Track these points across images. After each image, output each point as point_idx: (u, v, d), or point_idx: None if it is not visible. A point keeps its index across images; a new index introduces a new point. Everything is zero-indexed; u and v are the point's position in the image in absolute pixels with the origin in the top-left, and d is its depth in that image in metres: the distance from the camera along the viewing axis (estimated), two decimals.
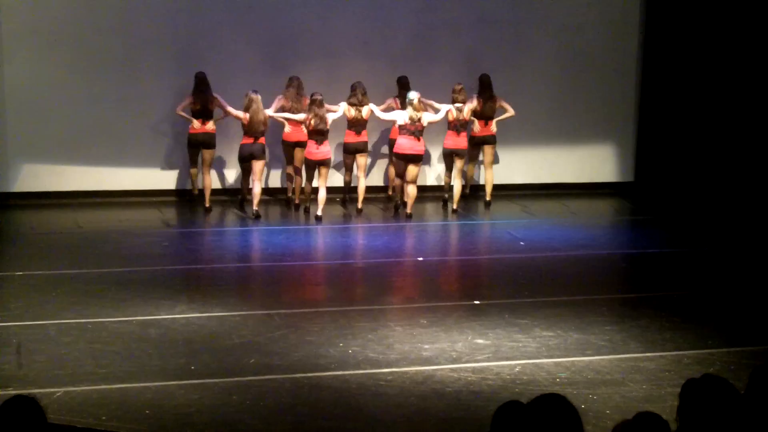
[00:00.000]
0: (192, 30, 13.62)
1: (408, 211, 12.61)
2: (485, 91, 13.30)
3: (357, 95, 12.67)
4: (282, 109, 12.73)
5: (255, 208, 12.40)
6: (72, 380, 7.01)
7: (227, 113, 12.60)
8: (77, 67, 13.32)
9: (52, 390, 6.77)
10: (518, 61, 14.55)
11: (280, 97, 12.83)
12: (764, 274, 10.47)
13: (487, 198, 13.52)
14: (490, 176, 13.54)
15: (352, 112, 12.70)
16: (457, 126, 12.85)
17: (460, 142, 12.95)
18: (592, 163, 15.03)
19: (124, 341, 7.89)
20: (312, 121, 12.18)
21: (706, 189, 14.25)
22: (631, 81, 14.96)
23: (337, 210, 13.18)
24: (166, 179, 13.72)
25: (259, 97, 12.30)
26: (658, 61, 14.71)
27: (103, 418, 6.39)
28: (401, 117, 12.47)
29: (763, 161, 14.27)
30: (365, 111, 12.71)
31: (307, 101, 12.55)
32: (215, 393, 6.87)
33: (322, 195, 12.35)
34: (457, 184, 12.98)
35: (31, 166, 13.33)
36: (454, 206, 12.97)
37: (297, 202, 13.10)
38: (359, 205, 12.86)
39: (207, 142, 12.80)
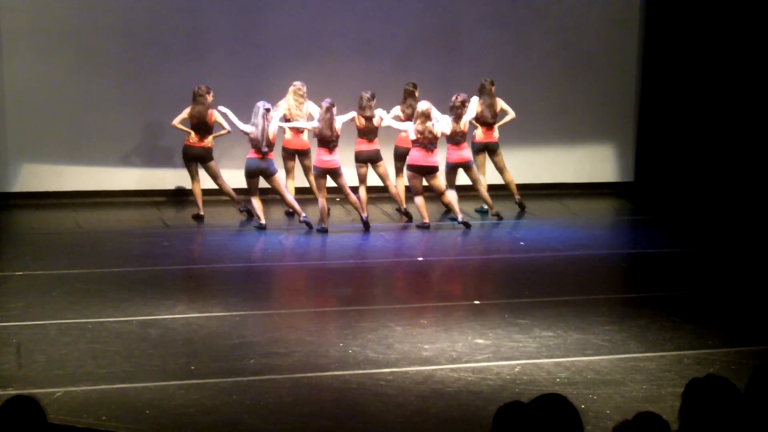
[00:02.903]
0: (192, 30, 13.62)
1: (459, 218, 12.21)
2: (484, 95, 12.92)
3: (364, 102, 12.35)
4: (283, 118, 12.38)
5: (262, 222, 12.00)
6: (72, 380, 7.01)
7: (230, 129, 12.18)
8: (77, 67, 13.32)
9: (52, 390, 6.78)
10: (518, 61, 14.55)
11: (280, 104, 12.46)
12: (764, 274, 10.47)
13: (517, 197, 13.24)
14: (509, 178, 13.25)
15: (361, 121, 12.38)
16: (456, 138, 12.37)
17: (465, 154, 12.45)
18: (592, 163, 15.03)
19: (124, 341, 7.89)
20: (322, 129, 11.74)
21: (707, 189, 14.24)
22: (631, 81, 14.96)
23: (337, 211, 13.16)
24: (166, 179, 13.72)
25: (271, 110, 11.84)
26: (658, 61, 14.71)
27: (103, 418, 6.40)
28: (413, 128, 12.10)
29: (763, 161, 14.27)
30: (375, 119, 12.37)
31: (305, 105, 12.44)
32: (215, 393, 6.87)
33: (321, 205, 11.87)
34: (454, 194, 12.52)
35: (31, 166, 13.34)
36: (459, 219, 12.66)
37: (291, 210, 12.57)
38: (364, 213, 12.33)
39: (202, 156, 12.41)
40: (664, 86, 14.68)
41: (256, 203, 12.03)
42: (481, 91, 12.98)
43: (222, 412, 6.57)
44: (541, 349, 7.86)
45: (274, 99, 12.57)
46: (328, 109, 11.82)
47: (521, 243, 11.60)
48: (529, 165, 14.70)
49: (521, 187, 14.49)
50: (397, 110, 12.87)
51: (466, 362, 7.55)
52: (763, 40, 14.28)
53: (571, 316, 8.71)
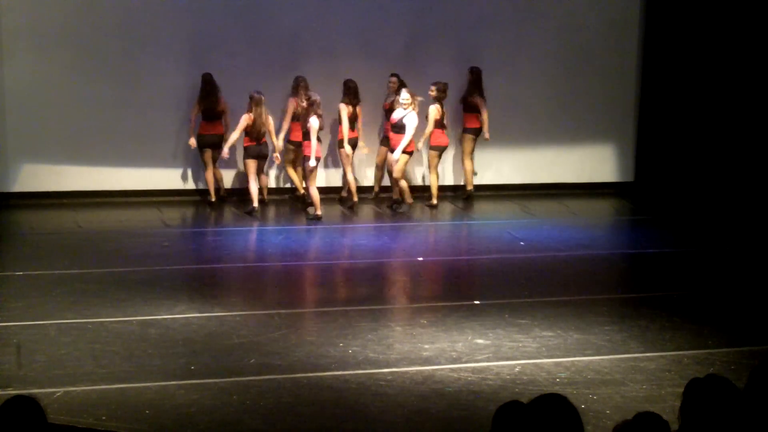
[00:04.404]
0: (192, 30, 13.61)
1: (434, 201, 13.10)
2: (471, 84, 13.54)
3: (350, 93, 12.89)
4: (294, 113, 12.79)
5: (255, 205, 12.44)
6: (72, 380, 7.01)
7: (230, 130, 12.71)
8: (77, 67, 13.31)
9: (52, 390, 6.78)
10: (518, 61, 14.54)
11: (291, 100, 12.86)
12: (764, 274, 10.47)
13: (469, 187, 13.60)
14: (469, 166, 13.64)
15: (349, 109, 12.88)
16: (442, 123, 13.02)
17: (444, 139, 13.16)
18: (592, 163, 15.02)
19: (124, 341, 7.89)
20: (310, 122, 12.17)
21: (707, 189, 14.23)
22: (631, 81, 14.95)
23: (337, 209, 13.16)
24: (166, 179, 13.71)
25: (263, 98, 12.33)
26: (658, 61, 14.70)
27: (103, 418, 6.40)
28: (412, 122, 12.65)
29: (763, 161, 14.26)
30: (358, 108, 13.02)
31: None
32: (215, 393, 6.88)
33: (315, 196, 12.26)
34: (434, 179, 13.15)
35: (31, 166, 13.33)
36: (434, 201, 13.08)
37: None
38: (355, 198, 13.00)
39: (215, 143, 12.89)
40: (664, 86, 14.67)
41: (254, 187, 12.51)
42: (469, 80, 13.55)
43: (222, 412, 6.57)
44: (541, 349, 7.87)
45: (274, 98, 12.65)
46: (319, 105, 12.22)
47: (521, 243, 11.60)
48: (529, 165, 14.69)
49: (521, 186, 14.51)
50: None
51: (466, 362, 7.56)
52: (763, 40, 14.27)
53: (571, 316, 8.72)
